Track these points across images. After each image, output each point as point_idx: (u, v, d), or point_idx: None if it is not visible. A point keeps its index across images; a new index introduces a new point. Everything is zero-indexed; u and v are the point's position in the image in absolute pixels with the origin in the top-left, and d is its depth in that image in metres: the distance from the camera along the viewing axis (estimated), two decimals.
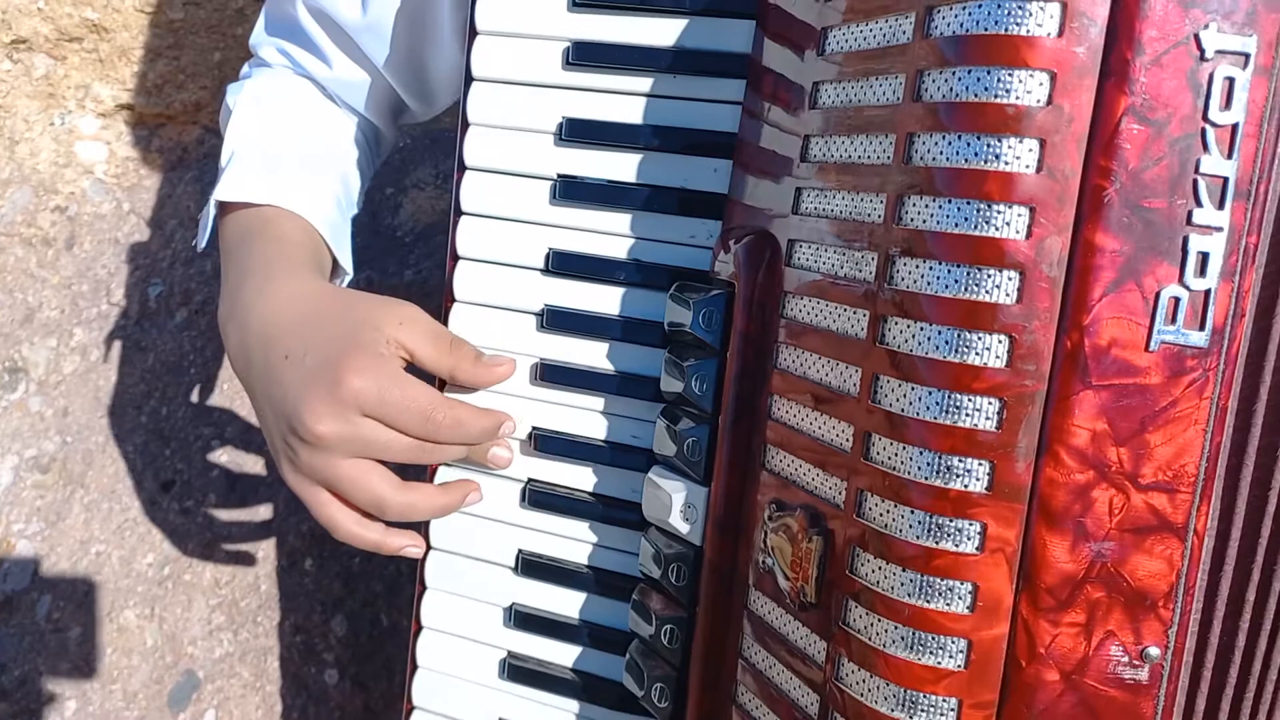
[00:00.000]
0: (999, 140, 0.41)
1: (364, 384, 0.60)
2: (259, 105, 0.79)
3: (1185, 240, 0.41)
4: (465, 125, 0.65)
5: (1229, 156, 0.41)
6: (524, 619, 0.67)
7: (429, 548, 0.69)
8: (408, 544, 0.67)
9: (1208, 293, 0.41)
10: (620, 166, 0.62)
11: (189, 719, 1.06)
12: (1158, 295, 0.41)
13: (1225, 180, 0.41)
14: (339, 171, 0.80)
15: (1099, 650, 0.44)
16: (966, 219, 0.42)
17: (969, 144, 0.42)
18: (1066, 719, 0.44)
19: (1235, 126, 0.40)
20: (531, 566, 0.67)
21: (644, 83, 0.61)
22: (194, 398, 1.17)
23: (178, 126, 1.32)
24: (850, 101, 0.48)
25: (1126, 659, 0.44)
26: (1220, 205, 0.41)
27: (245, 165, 0.76)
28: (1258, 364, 0.43)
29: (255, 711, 1.05)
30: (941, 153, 0.43)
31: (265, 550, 1.09)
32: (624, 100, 0.62)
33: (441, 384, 0.67)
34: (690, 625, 0.58)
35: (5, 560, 1.13)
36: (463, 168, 0.66)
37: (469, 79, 0.65)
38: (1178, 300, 0.41)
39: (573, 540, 0.66)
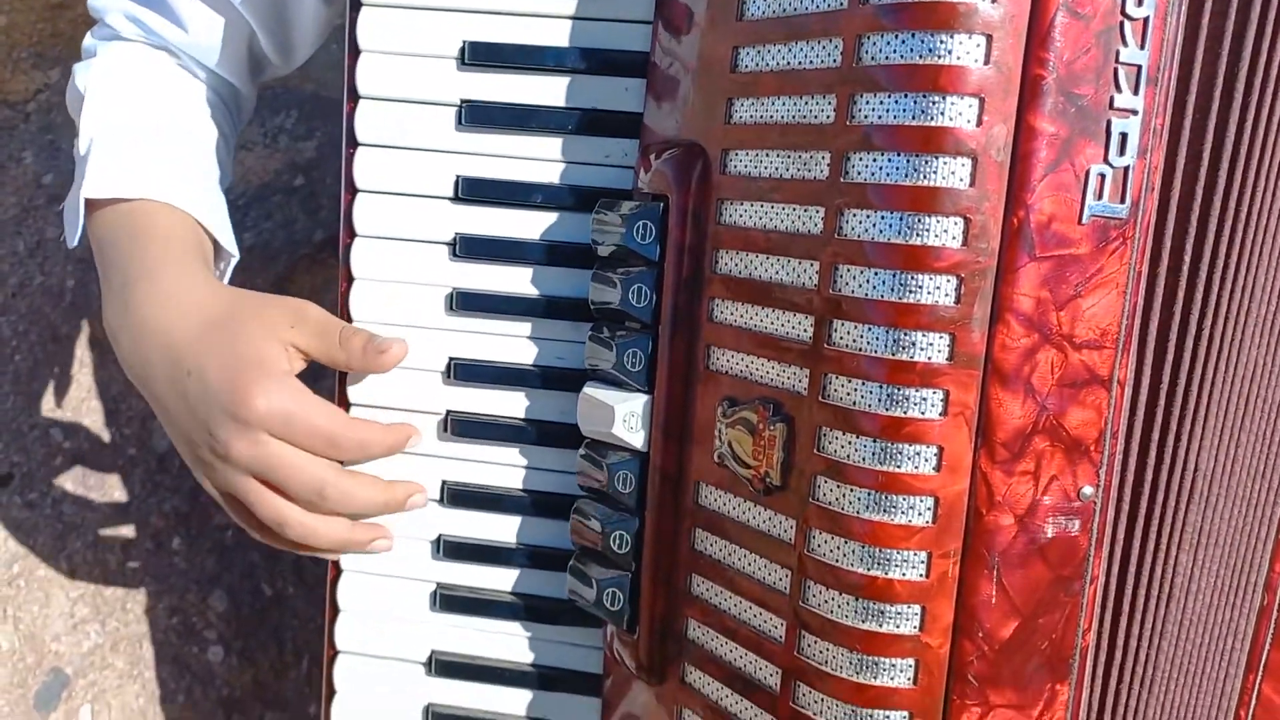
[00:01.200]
0: (950, 36, 0.43)
1: (270, 408, 0.59)
2: (114, 86, 0.71)
3: (1109, 123, 0.44)
4: (356, 52, 0.61)
5: (1142, 47, 0.44)
6: (454, 548, 0.65)
7: None
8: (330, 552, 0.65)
9: (1126, 169, 0.45)
10: (528, 89, 0.60)
11: (61, 718, 0.96)
12: (1087, 173, 0.44)
13: (1139, 68, 0.44)
14: (207, 148, 0.74)
15: (1045, 494, 0.47)
16: (923, 111, 0.43)
17: (922, 40, 0.43)
18: (1019, 558, 0.47)
19: (1147, 20, 0.43)
20: (458, 495, 0.64)
21: (547, 3, 0.59)
22: (22, 386, 1.05)
23: None
24: (784, 10, 0.48)
25: (1066, 499, 0.47)
26: (1136, 90, 0.44)
27: (109, 156, 0.68)
28: (1160, 230, 0.47)
29: (136, 700, 0.96)
30: (895, 50, 0.44)
31: (127, 535, 0.99)
32: (527, 21, 0.60)
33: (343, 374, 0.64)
34: (639, 530, 0.57)
35: None
36: (355, 97, 0.62)
37: (356, 3, 0.61)
38: (1104, 177, 0.44)
39: (500, 465, 0.64)
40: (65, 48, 1.21)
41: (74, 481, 1.02)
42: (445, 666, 0.66)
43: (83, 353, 1.06)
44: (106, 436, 1.03)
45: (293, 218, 1.12)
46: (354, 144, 0.62)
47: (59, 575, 0.99)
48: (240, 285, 0.69)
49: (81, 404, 1.05)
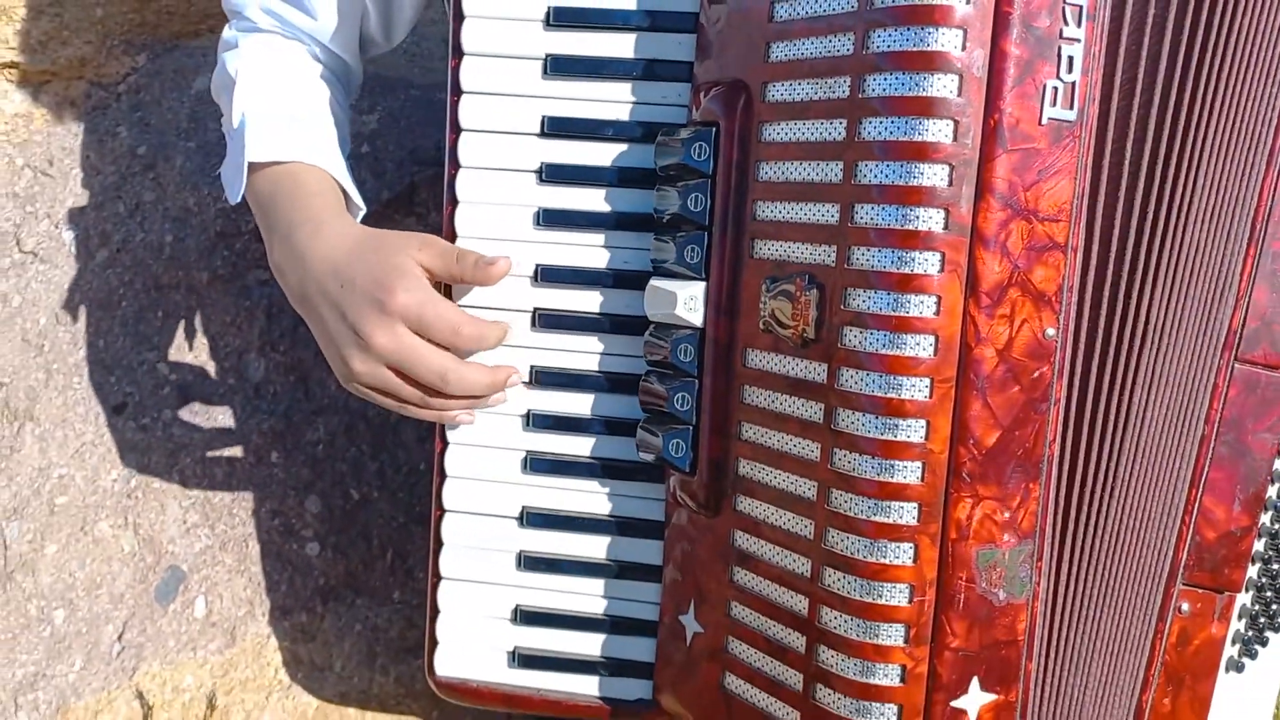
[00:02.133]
0: None
1: (408, 299, 0.71)
2: (259, 70, 0.83)
3: (1059, 48, 0.57)
4: (460, 17, 0.74)
5: None
6: (542, 420, 0.77)
7: None
8: (460, 413, 0.77)
9: (1073, 84, 0.58)
10: (601, 44, 0.73)
11: (179, 608, 1.08)
12: (1044, 87, 0.57)
13: (1080, 8, 0.57)
14: (335, 121, 0.86)
15: (1018, 333, 0.59)
16: (921, 40, 0.56)
17: None
18: (999, 383, 0.60)
19: None
20: (544, 377, 0.77)
21: None
22: (130, 328, 1.17)
23: (63, 82, 1.29)
24: None
25: (1034, 338, 0.60)
26: (1079, 24, 0.57)
27: (265, 127, 0.81)
28: (1102, 133, 0.60)
29: (244, 590, 1.08)
30: None
31: (230, 451, 1.11)
32: None
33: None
34: (698, 391, 0.70)
35: None
36: (459, 54, 0.74)
37: None
38: (1056, 89, 0.57)
39: (578, 352, 0.76)
40: (151, 35, 1.33)
41: (181, 408, 1.14)
42: (535, 519, 0.78)
43: (182, 299, 1.18)
44: (207, 369, 1.16)
45: (362, 179, 1.24)
46: (458, 92, 0.74)
47: (172, 487, 1.11)
48: None
49: (183, 342, 1.17)
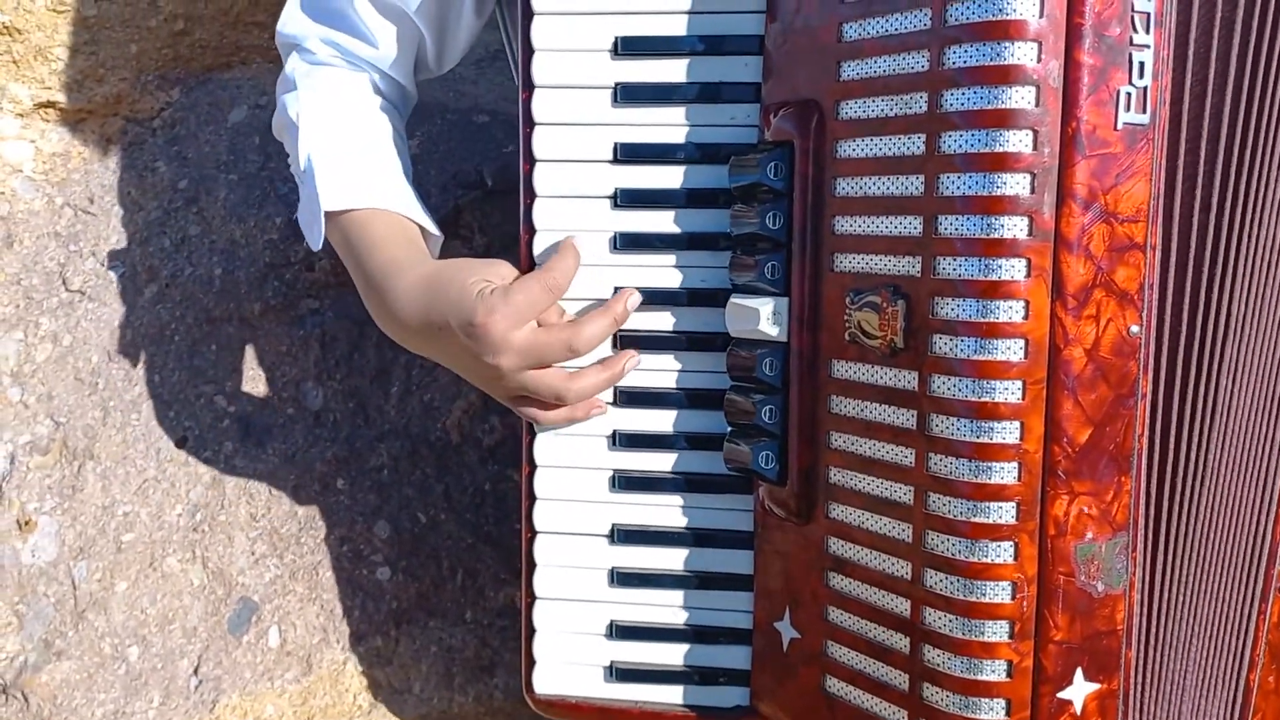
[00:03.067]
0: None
1: (492, 316, 0.75)
2: (323, 108, 0.87)
3: (1130, 55, 0.61)
4: (530, 51, 0.78)
5: None
6: (627, 439, 0.82)
7: None
8: (593, 410, 0.81)
9: (1145, 89, 0.62)
10: (667, 70, 0.77)
11: (253, 639, 1.14)
12: (1118, 93, 0.61)
13: (1148, 14, 0.61)
14: (400, 153, 0.90)
15: (1104, 332, 0.64)
16: (997, 54, 0.60)
17: (994, 3, 0.60)
18: (1088, 381, 0.64)
19: None
20: (627, 396, 0.81)
21: (678, 1, 0.76)
22: (184, 362, 1.22)
23: (99, 120, 1.34)
24: None
25: (1120, 336, 0.64)
26: (1147, 31, 0.61)
27: (333, 172, 0.84)
28: (1175, 133, 0.64)
29: (316, 619, 1.13)
30: (973, 13, 0.61)
31: (295, 481, 1.16)
32: (665, 18, 0.76)
33: None
34: (785, 403, 0.74)
35: (30, 537, 1.15)
36: (530, 87, 0.79)
37: (529, 14, 0.78)
38: (1130, 95, 0.61)
39: (659, 371, 0.81)
40: (185, 69, 1.38)
41: (241, 439, 1.19)
42: (625, 535, 0.83)
43: (235, 331, 1.23)
44: (265, 400, 1.20)
45: None
46: (530, 124, 0.79)
47: (238, 519, 1.16)
48: None
49: (240, 374, 1.22)
